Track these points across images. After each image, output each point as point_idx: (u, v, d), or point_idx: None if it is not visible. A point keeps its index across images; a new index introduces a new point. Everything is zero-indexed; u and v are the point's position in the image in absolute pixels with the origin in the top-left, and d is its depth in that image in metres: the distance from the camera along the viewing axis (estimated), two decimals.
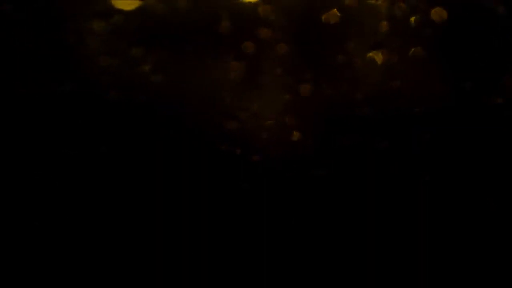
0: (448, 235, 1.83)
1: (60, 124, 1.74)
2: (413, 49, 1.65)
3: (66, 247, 1.82)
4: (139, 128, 1.74)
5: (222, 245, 1.82)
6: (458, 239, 1.83)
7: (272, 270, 1.80)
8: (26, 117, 1.75)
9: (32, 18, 1.67)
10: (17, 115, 1.75)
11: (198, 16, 1.63)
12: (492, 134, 1.73)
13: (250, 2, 1.61)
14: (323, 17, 1.63)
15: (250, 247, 1.81)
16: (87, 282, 1.83)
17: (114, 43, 1.65)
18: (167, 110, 1.69)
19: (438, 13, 1.65)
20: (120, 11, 1.62)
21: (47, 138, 1.76)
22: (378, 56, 1.64)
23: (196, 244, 1.79)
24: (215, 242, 1.81)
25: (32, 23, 1.68)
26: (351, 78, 1.67)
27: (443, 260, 1.81)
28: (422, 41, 1.66)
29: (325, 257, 1.84)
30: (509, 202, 1.79)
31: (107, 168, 1.79)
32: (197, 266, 1.78)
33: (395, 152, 1.76)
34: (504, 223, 1.80)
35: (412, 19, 1.64)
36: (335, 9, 1.60)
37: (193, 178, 1.75)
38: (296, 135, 1.69)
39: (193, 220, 1.78)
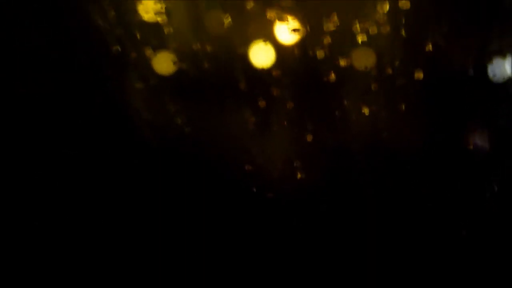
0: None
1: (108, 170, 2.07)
2: (397, 106, 2.00)
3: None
4: (169, 167, 2.07)
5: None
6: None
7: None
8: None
9: (86, 78, 2.04)
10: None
11: (222, 77, 1.99)
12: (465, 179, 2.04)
13: (263, 68, 1.98)
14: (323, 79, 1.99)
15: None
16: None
17: (153, 99, 2.02)
18: (195, 153, 2.04)
19: (419, 75, 2.00)
20: (159, 75, 1.99)
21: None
22: (368, 111, 2.00)
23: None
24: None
25: (85, 82, 2.04)
26: (346, 129, 2.02)
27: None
28: (405, 99, 2.00)
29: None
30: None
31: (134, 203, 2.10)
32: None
33: (384, 188, 2.08)
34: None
35: (397, 81, 2.00)
36: (333, 73, 1.96)
37: (214, 210, 2.07)
38: (301, 175, 2.03)
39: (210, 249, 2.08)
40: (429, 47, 1.97)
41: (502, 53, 1.95)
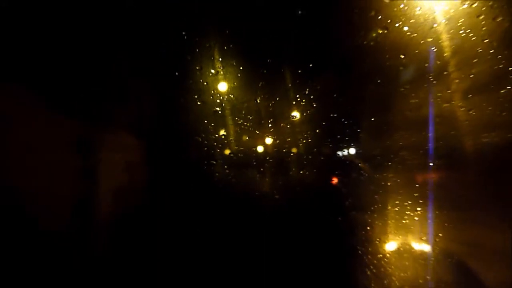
0: None
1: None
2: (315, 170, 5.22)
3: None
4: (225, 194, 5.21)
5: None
6: None
7: None
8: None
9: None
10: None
11: (246, 159, 5.23)
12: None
13: (262, 155, 5.23)
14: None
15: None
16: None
17: (220, 168, 5.23)
18: (236, 187, 5.18)
19: (324, 160, 5.25)
20: (223, 156, 5.22)
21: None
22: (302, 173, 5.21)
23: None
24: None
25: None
26: (294, 179, 5.22)
27: None
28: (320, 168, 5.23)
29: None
30: None
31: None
32: None
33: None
34: None
35: (314, 160, 5.24)
36: (288, 158, 5.20)
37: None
38: (277, 197, 5.18)
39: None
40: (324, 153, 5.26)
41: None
